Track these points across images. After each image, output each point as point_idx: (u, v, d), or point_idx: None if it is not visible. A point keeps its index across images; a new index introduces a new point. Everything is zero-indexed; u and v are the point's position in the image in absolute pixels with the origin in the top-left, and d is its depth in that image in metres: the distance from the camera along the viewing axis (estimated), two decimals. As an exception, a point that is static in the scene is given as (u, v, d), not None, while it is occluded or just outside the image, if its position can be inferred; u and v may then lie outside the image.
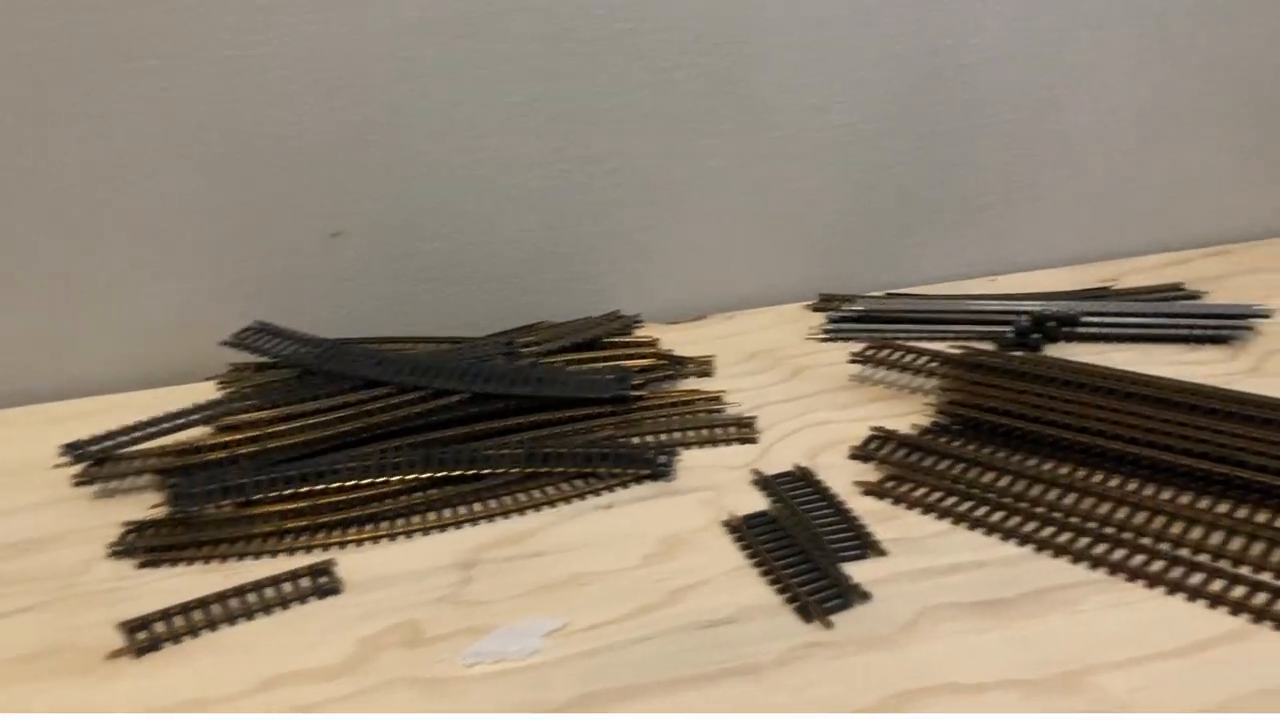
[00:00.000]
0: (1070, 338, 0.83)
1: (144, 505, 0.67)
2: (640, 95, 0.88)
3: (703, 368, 0.82)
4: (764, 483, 0.66)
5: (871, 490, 0.64)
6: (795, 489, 0.65)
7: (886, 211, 0.97)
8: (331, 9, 0.80)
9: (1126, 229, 1.04)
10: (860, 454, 0.68)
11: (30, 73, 0.78)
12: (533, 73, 0.85)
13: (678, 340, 0.87)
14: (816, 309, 0.94)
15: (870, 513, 0.62)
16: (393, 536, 0.64)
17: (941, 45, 0.92)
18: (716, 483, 0.67)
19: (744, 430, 0.72)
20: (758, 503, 0.64)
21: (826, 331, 0.88)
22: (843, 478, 0.66)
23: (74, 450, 0.70)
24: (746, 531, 0.61)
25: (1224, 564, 0.55)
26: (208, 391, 0.79)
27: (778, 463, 0.68)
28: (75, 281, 0.84)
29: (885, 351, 0.78)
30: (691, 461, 0.69)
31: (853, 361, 0.79)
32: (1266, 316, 0.82)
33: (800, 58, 0.90)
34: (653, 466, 0.68)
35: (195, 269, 0.85)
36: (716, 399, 0.76)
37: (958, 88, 0.94)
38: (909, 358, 0.77)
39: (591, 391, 0.74)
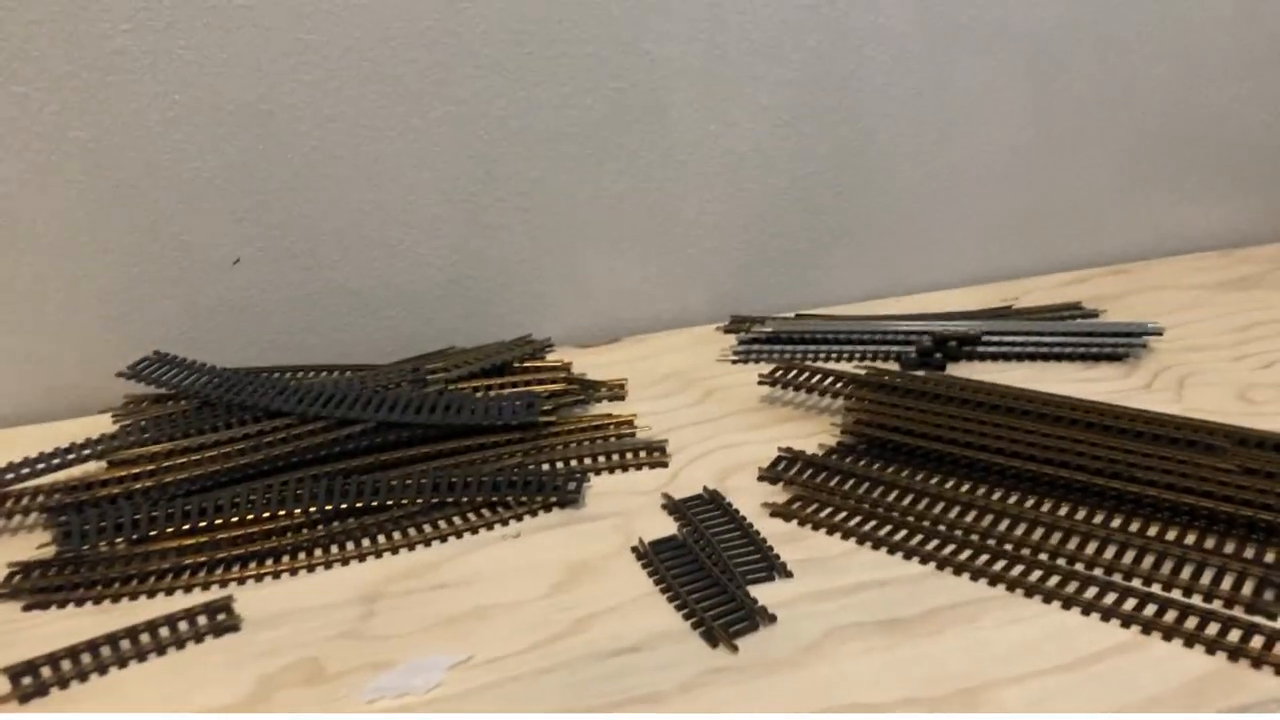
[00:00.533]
0: (971, 357, 0.85)
1: (32, 545, 0.65)
2: (545, 118, 0.88)
3: (615, 391, 0.82)
4: (674, 507, 0.66)
5: (779, 512, 0.65)
6: (704, 512, 0.65)
7: (793, 233, 0.99)
8: (229, 32, 0.78)
9: (1027, 249, 1.07)
10: (768, 475, 0.69)
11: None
12: (436, 96, 0.84)
13: (591, 364, 0.87)
14: (728, 330, 0.95)
15: (777, 534, 0.63)
16: (294, 571, 0.62)
17: (836, 72, 0.93)
18: (627, 508, 0.67)
19: (655, 454, 0.72)
20: (667, 527, 0.64)
21: (737, 353, 0.88)
22: (752, 499, 0.66)
23: (-44, 489, 0.67)
24: (654, 557, 0.61)
25: (1116, 578, 0.56)
26: (103, 425, 0.76)
27: (688, 486, 0.68)
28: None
29: (793, 373, 0.79)
30: (602, 487, 0.69)
31: (762, 383, 0.79)
32: (1159, 334, 0.84)
33: (702, 84, 0.90)
34: (561, 493, 0.67)
35: (88, 297, 0.83)
36: (628, 423, 0.76)
37: (855, 113, 0.96)
38: (816, 378, 0.78)
39: (499, 418, 0.73)
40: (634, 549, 0.62)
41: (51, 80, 0.76)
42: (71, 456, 0.70)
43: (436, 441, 0.73)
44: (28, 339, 0.82)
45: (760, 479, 0.69)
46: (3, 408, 0.83)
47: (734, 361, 0.88)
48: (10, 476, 0.68)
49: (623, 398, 0.82)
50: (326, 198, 0.85)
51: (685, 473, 0.71)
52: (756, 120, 0.93)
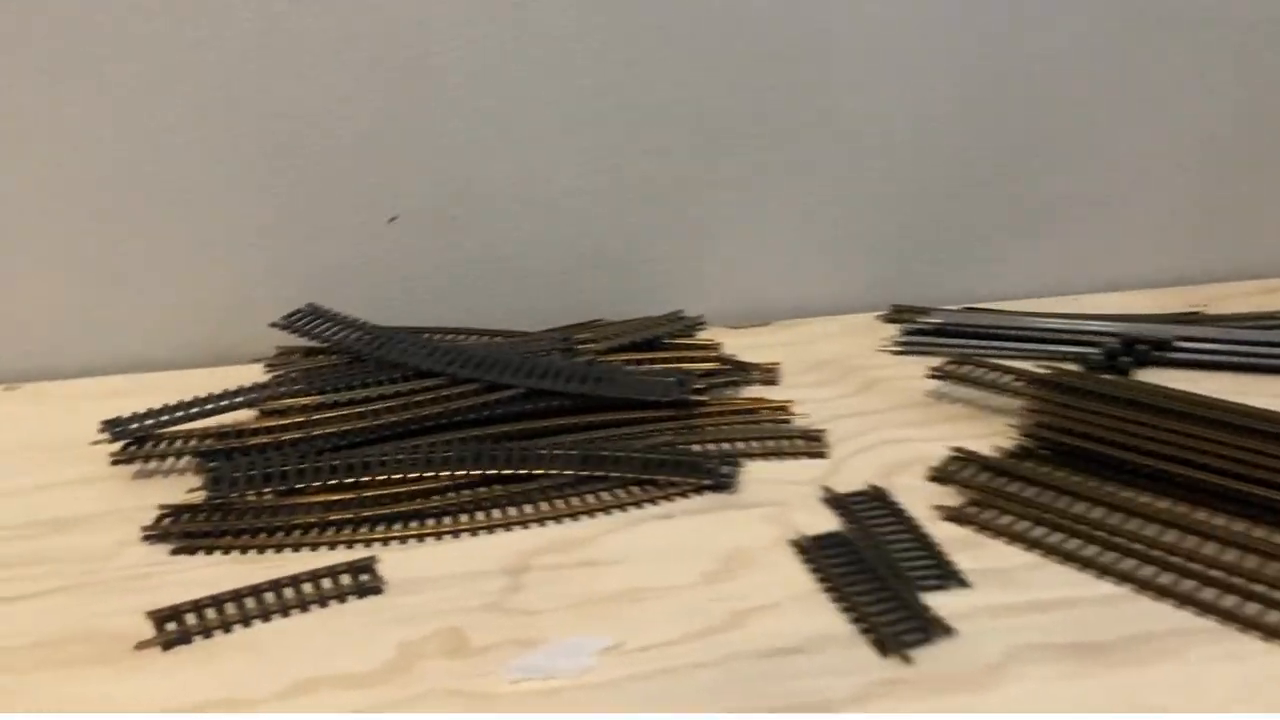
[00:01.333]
0: (1162, 363, 0.78)
1: (182, 489, 0.64)
2: (708, 91, 0.84)
3: (768, 375, 0.78)
4: (835, 501, 0.62)
5: (953, 515, 0.60)
6: (869, 510, 0.61)
7: (962, 220, 0.92)
8: (400, -17, 0.77)
9: (1216, 252, 0.98)
10: (939, 476, 0.64)
11: (79, 48, 0.75)
12: (597, 62, 0.81)
13: (741, 345, 0.83)
14: (888, 320, 0.89)
15: (951, 540, 0.58)
16: (438, 536, 0.60)
17: (1021, 50, 0.87)
18: (783, 498, 0.63)
19: (813, 444, 0.68)
20: (828, 522, 0.60)
21: (900, 344, 0.83)
22: (920, 500, 0.61)
23: (113, 427, 0.67)
24: (816, 553, 0.57)
25: (1348, 619, 0.50)
26: (254, 374, 0.76)
27: (849, 481, 0.64)
28: (123, 257, 0.82)
29: (966, 368, 0.73)
30: (756, 474, 0.65)
31: (931, 377, 0.74)
32: (1378, 351, 0.76)
33: (872, 57, 0.85)
34: (715, 477, 0.64)
35: (246, 249, 0.83)
36: (783, 409, 0.72)
37: (1038, 95, 0.89)
38: (992, 375, 0.72)
39: (651, 393, 0.70)
40: (793, 542, 0.58)
41: (221, 28, 0.76)
42: (224, 403, 0.69)
43: (584, 413, 0.70)
44: (185, 287, 0.83)
45: (930, 479, 0.64)
46: (159, 352, 0.84)
47: (896, 353, 0.83)
48: (165, 419, 0.68)
49: (776, 382, 0.78)
50: (483, 159, 0.83)
51: (846, 466, 0.66)
52: (929, 97, 0.87)
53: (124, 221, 0.80)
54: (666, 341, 0.79)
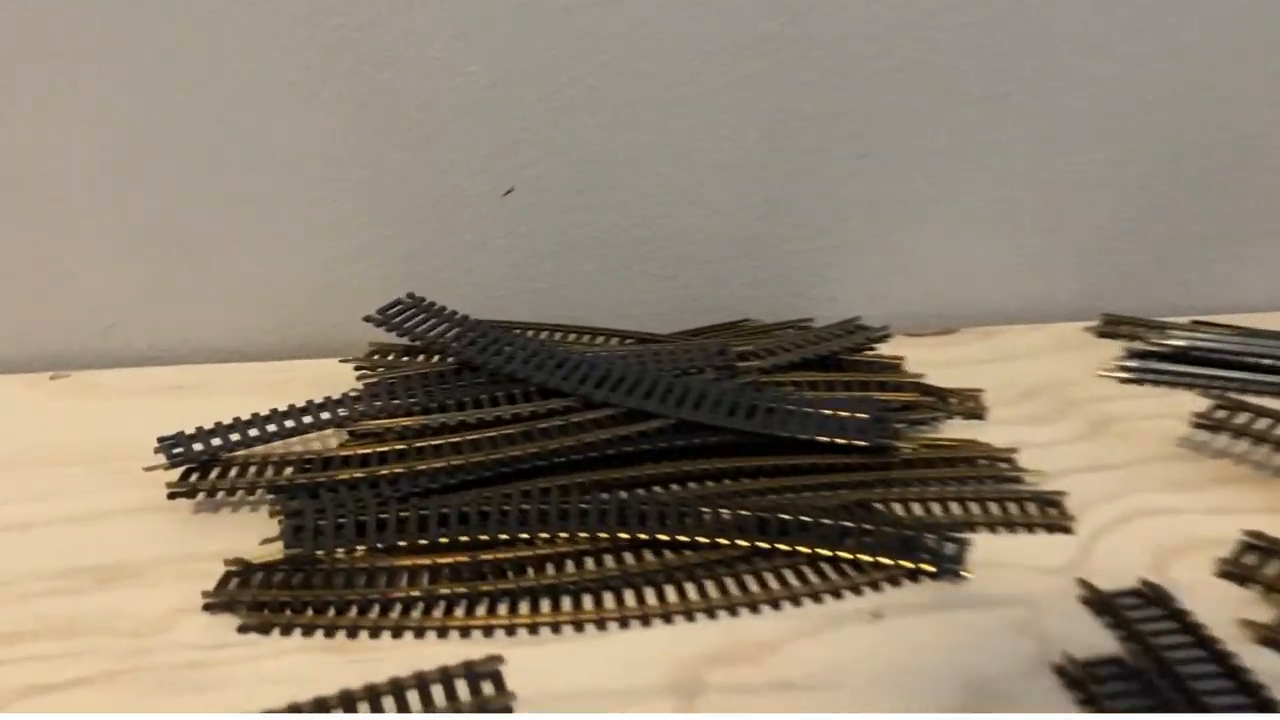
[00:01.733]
0: None
1: (252, 532, 0.51)
2: (898, 44, 0.68)
3: (970, 406, 0.63)
4: (1100, 604, 0.47)
5: (1270, 639, 0.44)
6: (1148, 619, 0.45)
7: (1197, 213, 0.75)
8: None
9: None
10: (1233, 571, 0.48)
11: (169, 19, 0.62)
12: (761, 9, 0.65)
13: (923, 361, 0.67)
14: (1101, 334, 0.73)
15: (1274, 674, 0.42)
16: (578, 625, 0.46)
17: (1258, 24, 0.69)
18: (1028, 594, 0.48)
19: (1052, 512, 0.53)
20: (1096, 636, 0.45)
21: (1128, 370, 0.67)
22: (1213, 605, 0.46)
23: (171, 448, 0.54)
24: (1095, 688, 0.42)
25: None
26: (341, 377, 0.63)
27: (1109, 570, 0.49)
28: (194, 226, 0.68)
29: (1245, 417, 0.57)
30: (984, 554, 0.50)
31: (1198, 425, 0.58)
32: None
33: (1098, 15, 0.68)
34: (938, 559, 0.49)
35: (336, 223, 0.69)
36: (1006, 459, 0.57)
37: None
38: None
39: (843, 433, 0.55)
40: (1058, 668, 0.43)
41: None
42: (307, 420, 0.56)
43: (744, 454, 0.56)
44: (264, 265, 0.70)
45: (1221, 575, 0.48)
46: (229, 341, 0.71)
47: (1124, 380, 0.67)
48: (234, 439, 0.55)
49: (981, 416, 0.62)
50: (622, 122, 0.68)
51: (1100, 548, 0.51)
52: (1167, 64, 0.70)
53: (197, 186, 0.67)
54: (844, 359, 0.64)
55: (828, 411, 0.56)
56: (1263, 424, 0.56)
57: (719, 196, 0.71)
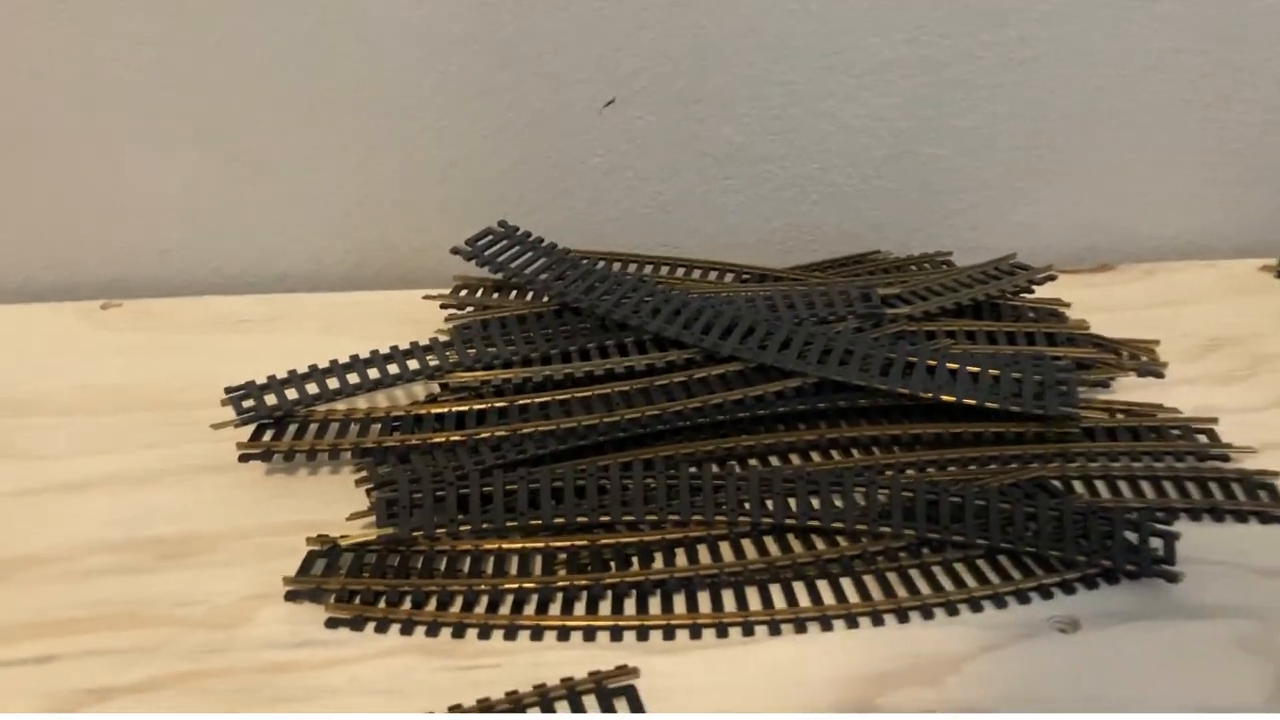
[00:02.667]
0: None
1: (336, 501, 0.45)
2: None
3: (1147, 362, 0.54)
4: (1343, 619, 0.39)
5: None
6: (1406, 642, 0.38)
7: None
8: None
9: None
10: None
11: None
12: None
13: (1081, 302, 0.58)
14: (1281, 274, 0.64)
15: None
16: (720, 629, 0.39)
17: None
18: (1251, 600, 0.40)
19: (1263, 496, 0.45)
20: (1342, 659, 0.37)
21: (1325, 320, 0.58)
22: None
23: (241, 401, 0.47)
24: (1357, 733, 0.34)
25: None
26: (427, 312, 0.55)
27: (1342, 570, 0.41)
28: (265, 139, 0.61)
29: None
30: (1192, 547, 0.42)
31: None
32: None
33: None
34: (1140, 559, 0.41)
35: (418, 138, 0.61)
36: (1207, 431, 0.48)
37: None
38: None
39: (1019, 401, 0.47)
40: (1306, 703, 0.36)
41: None
42: (394, 370, 0.49)
43: (892, 420, 0.48)
44: (340, 182, 0.62)
45: None
46: (302, 266, 0.64)
47: (1320, 332, 0.58)
48: (313, 392, 0.48)
49: (1159, 374, 0.54)
50: (743, 25, 0.59)
51: (1326, 541, 0.43)
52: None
53: (262, 87, 0.59)
54: (1001, 302, 0.55)
55: (996, 372, 0.48)
56: None
57: (851, 110, 0.62)
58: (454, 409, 0.47)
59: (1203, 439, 0.48)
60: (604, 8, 0.58)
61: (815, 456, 0.48)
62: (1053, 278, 0.56)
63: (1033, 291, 0.57)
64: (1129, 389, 0.53)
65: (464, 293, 0.57)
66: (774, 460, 0.47)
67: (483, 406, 0.48)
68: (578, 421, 0.46)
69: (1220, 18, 0.60)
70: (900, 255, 0.64)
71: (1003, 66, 0.61)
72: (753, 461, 0.47)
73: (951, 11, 0.59)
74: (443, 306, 0.56)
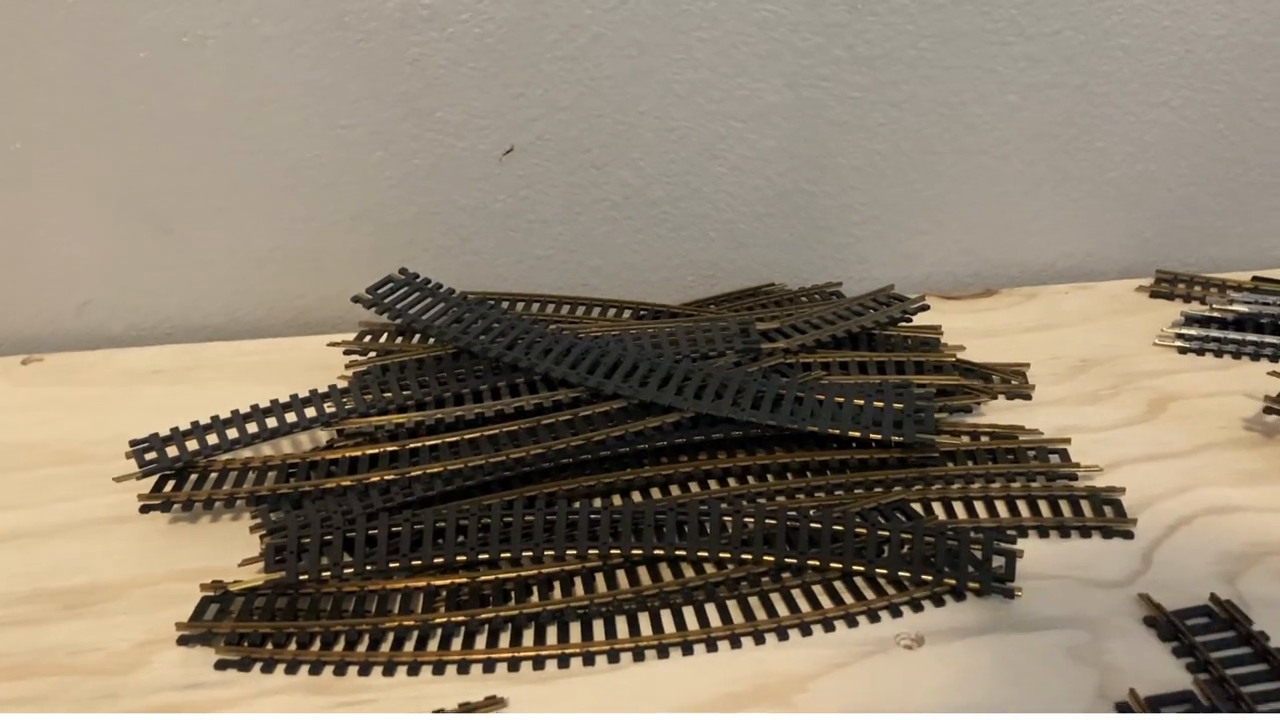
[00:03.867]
0: None
1: (231, 545, 0.47)
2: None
3: (1015, 385, 0.57)
4: (1164, 626, 0.42)
5: (1361, 670, 0.40)
6: (1220, 644, 0.41)
7: (1260, 161, 0.69)
8: None
9: None
10: (1315, 586, 0.43)
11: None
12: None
13: (961, 328, 0.62)
14: (1155, 293, 0.67)
15: (1369, 717, 0.38)
16: (588, 658, 0.42)
17: None
18: (1084, 612, 0.43)
19: (1109, 512, 0.48)
20: (1161, 664, 0.40)
21: (1186, 339, 0.61)
22: (1294, 628, 0.41)
23: (144, 454, 0.50)
24: (1164, 733, 0.37)
25: None
26: (332, 358, 0.58)
27: (1174, 582, 0.44)
28: (175, 197, 0.63)
29: (1325, 401, 0.51)
30: (1035, 562, 0.45)
31: (1269, 411, 0.52)
32: None
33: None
34: (983, 576, 0.44)
35: (318, 188, 0.63)
36: (1060, 451, 0.51)
37: None
38: (1364, 415, 0.50)
39: (881, 429, 0.50)
40: (1121, 706, 0.39)
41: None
42: (291, 419, 0.51)
43: (766, 448, 0.51)
44: (248, 235, 0.64)
45: (1302, 590, 0.43)
46: (215, 318, 0.66)
47: (1182, 350, 0.61)
48: (212, 442, 0.50)
49: (1027, 396, 0.57)
50: (633, 74, 0.62)
51: (1163, 554, 0.46)
52: (1229, 9, 0.63)
53: (170, 150, 0.61)
54: (877, 333, 0.58)
55: (860, 401, 0.51)
56: (1344, 409, 0.51)
57: (739, 154, 0.65)
58: (347, 454, 0.50)
59: (1055, 459, 0.51)
60: (499, 61, 0.61)
61: (694, 487, 0.51)
62: (925, 307, 0.60)
63: (910, 320, 0.60)
64: (998, 411, 0.56)
65: (368, 338, 0.59)
66: (655, 492, 0.50)
67: (375, 451, 0.50)
68: (464, 463, 0.49)
69: (1080, 57, 0.64)
70: (793, 288, 0.67)
71: (877, 107, 0.64)
72: (634, 494, 0.50)
73: (827, 58, 0.62)
74: (346, 353, 0.59)
